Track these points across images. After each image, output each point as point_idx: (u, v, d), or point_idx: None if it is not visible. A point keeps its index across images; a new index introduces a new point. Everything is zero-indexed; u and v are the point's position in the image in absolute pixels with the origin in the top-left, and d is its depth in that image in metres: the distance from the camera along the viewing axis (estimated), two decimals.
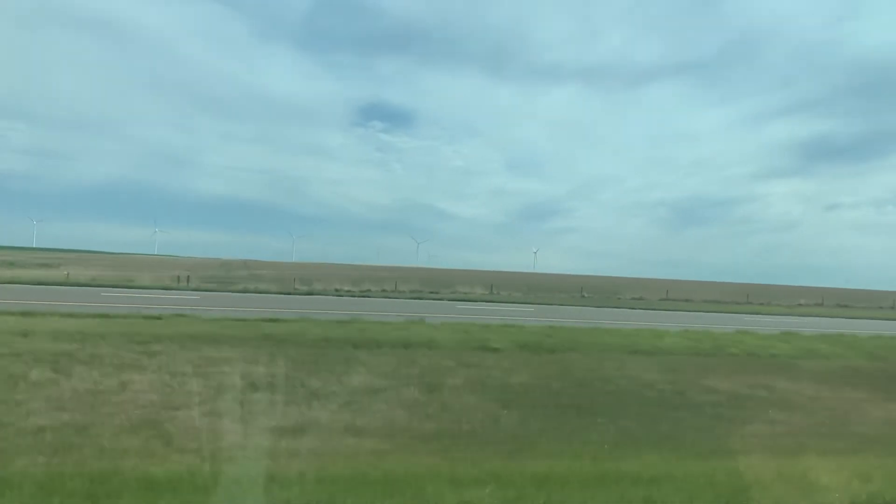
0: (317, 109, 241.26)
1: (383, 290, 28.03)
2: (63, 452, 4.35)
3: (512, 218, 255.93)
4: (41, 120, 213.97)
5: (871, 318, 25.44)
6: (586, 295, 33.12)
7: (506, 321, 14.70)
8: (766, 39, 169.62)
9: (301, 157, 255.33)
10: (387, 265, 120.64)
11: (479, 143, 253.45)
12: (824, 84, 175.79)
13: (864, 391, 8.45)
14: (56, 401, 5.72)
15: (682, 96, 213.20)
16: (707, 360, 10.36)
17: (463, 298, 26.09)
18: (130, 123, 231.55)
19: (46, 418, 5.14)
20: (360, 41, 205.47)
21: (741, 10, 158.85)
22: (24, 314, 11.65)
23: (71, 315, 11.93)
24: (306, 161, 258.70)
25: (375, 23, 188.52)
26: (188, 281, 26.86)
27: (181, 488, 3.54)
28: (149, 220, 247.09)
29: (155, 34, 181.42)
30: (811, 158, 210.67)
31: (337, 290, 26.70)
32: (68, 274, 26.86)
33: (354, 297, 24.41)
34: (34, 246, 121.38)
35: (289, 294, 23.93)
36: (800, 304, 33.94)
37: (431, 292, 28.71)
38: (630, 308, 25.24)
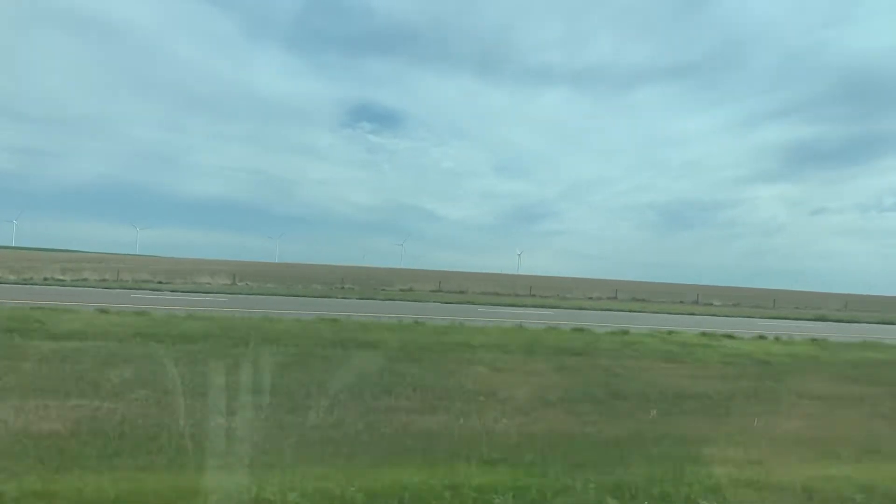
0: (306, 110, 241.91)
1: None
2: None
3: (501, 220, 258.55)
4: (27, 118, 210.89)
5: (775, 319, 26.09)
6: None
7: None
8: (754, 45, 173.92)
9: (290, 158, 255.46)
10: (369, 266, 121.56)
11: (469, 145, 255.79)
12: (811, 89, 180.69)
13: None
14: None
15: (671, 100, 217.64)
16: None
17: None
18: (118, 122, 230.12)
19: None
20: (350, 42, 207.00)
21: (730, 15, 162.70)
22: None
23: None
24: (295, 161, 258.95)
25: (365, 24, 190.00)
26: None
27: None
28: (134, 219, 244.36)
29: (143, 33, 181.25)
30: (797, 163, 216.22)
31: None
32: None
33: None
34: (13, 245, 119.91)
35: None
36: (711, 304, 34.79)
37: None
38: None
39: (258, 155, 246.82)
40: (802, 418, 6.69)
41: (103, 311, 13.52)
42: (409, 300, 25.58)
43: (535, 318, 18.17)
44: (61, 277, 28.77)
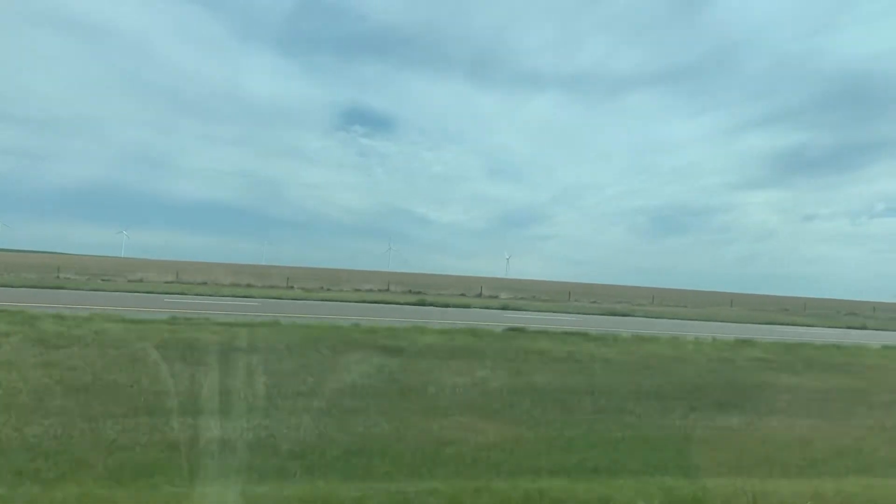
0: (297, 113, 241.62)
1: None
2: None
3: (492, 224, 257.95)
4: (13, 119, 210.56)
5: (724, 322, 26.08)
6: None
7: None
8: (745, 51, 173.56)
9: (281, 161, 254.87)
10: (354, 269, 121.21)
11: (461, 149, 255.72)
12: (801, 96, 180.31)
13: None
14: None
15: (662, 105, 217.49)
16: None
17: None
18: (106, 124, 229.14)
19: None
20: (342, 45, 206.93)
21: (720, 21, 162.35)
22: None
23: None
24: (286, 164, 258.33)
25: (357, 27, 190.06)
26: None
27: None
28: (122, 222, 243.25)
29: (133, 35, 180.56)
30: (788, 169, 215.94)
31: None
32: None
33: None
34: None
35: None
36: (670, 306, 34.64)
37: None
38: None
39: (249, 158, 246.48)
40: None
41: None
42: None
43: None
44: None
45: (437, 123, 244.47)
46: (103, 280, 29.21)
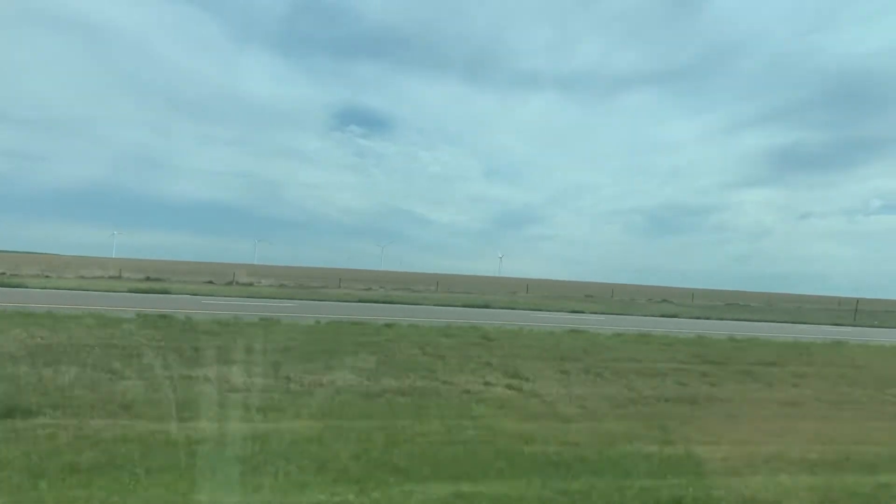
0: (294, 113, 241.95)
1: None
2: None
3: (489, 224, 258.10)
4: (8, 120, 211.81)
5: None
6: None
7: None
8: (740, 51, 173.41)
9: (278, 161, 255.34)
10: (348, 268, 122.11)
11: (458, 150, 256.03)
12: (796, 94, 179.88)
13: None
14: None
15: (658, 105, 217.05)
16: None
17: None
18: (103, 125, 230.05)
19: None
20: (339, 45, 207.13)
21: (716, 21, 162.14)
22: None
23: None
24: (283, 165, 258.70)
25: (354, 27, 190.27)
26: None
27: None
28: (118, 223, 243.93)
29: (130, 36, 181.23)
30: (783, 168, 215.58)
31: None
32: None
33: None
34: None
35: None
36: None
37: None
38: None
39: (246, 158, 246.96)
40: None
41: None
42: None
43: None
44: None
45: (434, 124, 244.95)
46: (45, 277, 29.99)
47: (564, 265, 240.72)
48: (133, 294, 21.46)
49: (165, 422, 5.26)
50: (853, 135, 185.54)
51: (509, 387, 7.71)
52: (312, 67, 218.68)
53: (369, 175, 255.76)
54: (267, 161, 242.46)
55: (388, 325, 13.38)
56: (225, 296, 22.76)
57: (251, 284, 34.48)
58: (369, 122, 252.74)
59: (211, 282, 32.94)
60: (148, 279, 31.69)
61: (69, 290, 21.79)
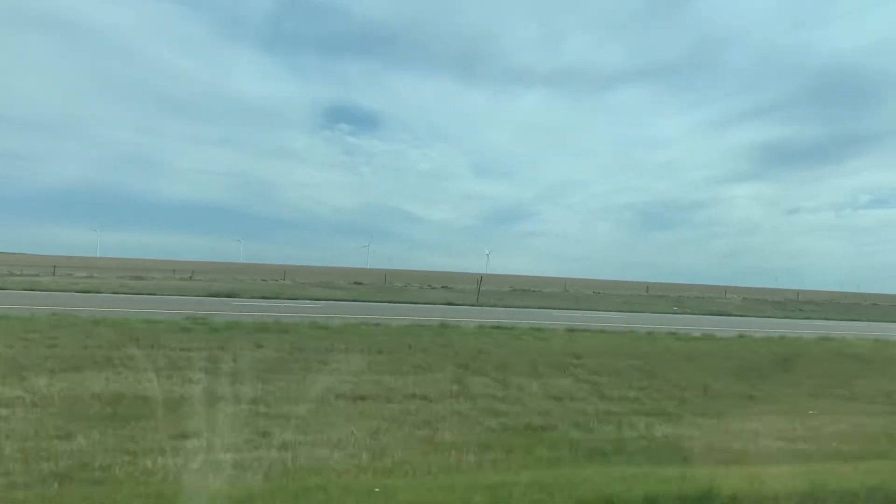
0: (283, 112, 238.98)
1: None
2: None
3: (480, 221, 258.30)
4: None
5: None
6: None
7: None
8: (729, 46, 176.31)
9: (267, 160, 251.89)
10: (331, 267, 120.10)
11: (448, 147, 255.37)
12: (784, 90, 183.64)
13: None
14: None
15: (648, 101, 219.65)
16: None
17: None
18: (91, 125, 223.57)
19: None
20: (327, 43, 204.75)
21: (706, 16, 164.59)
22: None
23: None
24: (272, 163, 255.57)
25: (342, 25, 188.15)
26: None
27: None
28: (107, 223, 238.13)
29: (117, 35, 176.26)
30: (772, 163, 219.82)
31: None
32: None
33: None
34: None
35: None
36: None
37: None
38: None
39: (235, 157, 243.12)
40: None
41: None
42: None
43: None
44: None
45: (423, 121, 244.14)
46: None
47: (555, 261, 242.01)
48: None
49: None
50: (842, 130, 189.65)
51: None
52: (300, 65, 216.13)
53: (359, 173, 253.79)
54: (255, 160, 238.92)
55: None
56: None
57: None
58: (358, 120, 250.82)
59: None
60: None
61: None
